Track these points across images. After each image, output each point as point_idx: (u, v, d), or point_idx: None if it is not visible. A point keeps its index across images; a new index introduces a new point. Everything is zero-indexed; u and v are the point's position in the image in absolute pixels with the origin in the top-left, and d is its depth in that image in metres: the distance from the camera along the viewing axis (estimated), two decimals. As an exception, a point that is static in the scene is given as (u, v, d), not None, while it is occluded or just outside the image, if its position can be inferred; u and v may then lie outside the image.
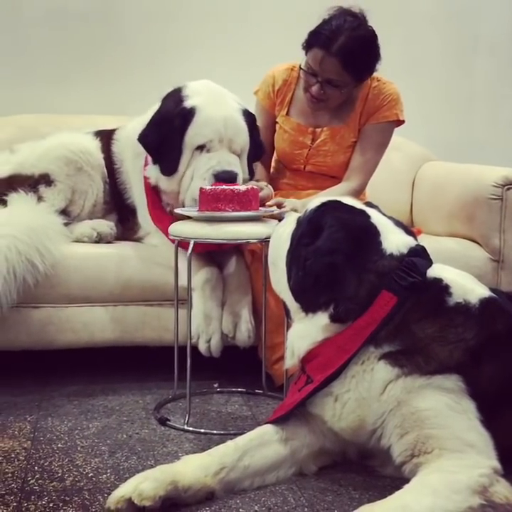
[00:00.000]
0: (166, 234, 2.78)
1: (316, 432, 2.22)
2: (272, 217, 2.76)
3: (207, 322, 2.87)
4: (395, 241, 2.19)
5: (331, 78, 3.01)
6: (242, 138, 3.00)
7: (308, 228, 2.23)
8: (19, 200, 3.18)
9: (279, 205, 2.87)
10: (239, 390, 3.00)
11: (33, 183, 3.23)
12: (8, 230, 2.93)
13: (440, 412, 2.01)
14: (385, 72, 4.32)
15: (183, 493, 2.00)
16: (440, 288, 2.16)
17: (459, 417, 2.00)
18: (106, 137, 3.42)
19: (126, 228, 3.31)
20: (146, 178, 3.05)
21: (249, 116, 3.06)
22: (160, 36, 4.12)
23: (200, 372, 2.84)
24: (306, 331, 2.18)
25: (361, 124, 3.19)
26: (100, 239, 3.17)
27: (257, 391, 2.95)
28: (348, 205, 2.28)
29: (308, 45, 3.04)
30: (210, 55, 4.07)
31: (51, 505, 2.05)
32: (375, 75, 3.16)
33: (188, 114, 2.93)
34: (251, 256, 2.99)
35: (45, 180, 3.25)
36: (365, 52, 3.02)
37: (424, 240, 3.41)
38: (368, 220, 2.22)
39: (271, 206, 2.91)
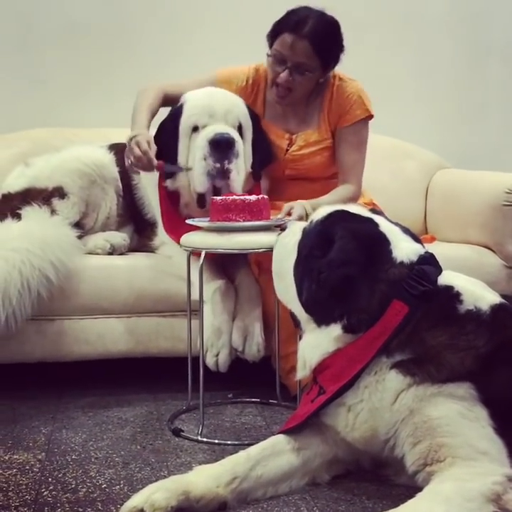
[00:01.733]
0: (178, 243, 2.79)
1: (329, 441, 2.21)
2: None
3: (217, 335, 2.87)
4: (404, 249, 2.18)
5: (301, 61, 3.02)
6: (240, 112, 3.02)
7: (318, 240, 2.22)
8: (33, 214, 3.20)
9: (289, 213, 2.86)
10: (253, 400, 3.00)
11: (47, 196, 3.26)
12: (22, 244, 2.95)
13: (452, 420, 1.99)
14: (397, 78, 4.37)
15: (195, 503, 2.00)
16: (451, 296, 2.15)
17: (471, 424, 1.99)
18: (122, 150, 3.43)
19: (144, 237, 3.33)
20: (161, 189, 3.06)
21: (251, 111, 3.08)
22: (172, 49, 4.14)
23: (214, 382, 2.85)
24: (318, 342, 2.18)
25: (331, 124, 3.20)
26: (113, 250, 3.19)
27: (271, 401, 2.94)
28: (355, 213, 2.27)
29: (276, 32, 3.06)
30: (225, 65, 4.07)
31: (64, 516, 2.06)
32: (336, 73, 3.19)
33: (180, 108, 3.01)
34: (257, 268, 2.99)
35: (59, 193, 3.27)
36: (333, 37, 3.07)
37: (438, 247, 3.43)
38: (377, 229, 2.21)
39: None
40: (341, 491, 2.18)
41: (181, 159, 2.98)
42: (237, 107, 3.03)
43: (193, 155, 2.95)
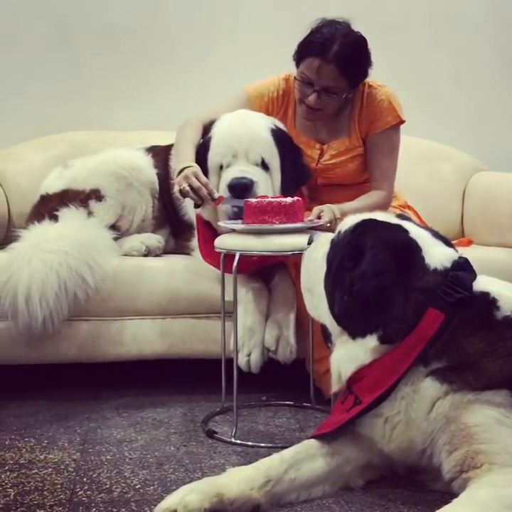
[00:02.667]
0: (217, 267, 2.80)
1: (363, 447, 2.19)
2: (319, 228, 2.75)
3: (249, 335, 2.87)
4: (437, 255, 2.14)
5: (328, 85, 3.00)
6: (262, 147, 2.99)
7: (348, 251, 2.18)
8: (70, 216, 3.24)
9: (319, 216, 2.85)
10: (287, 403, 2.99)
11: (84, 198, 3.29)
12: (59, 246, 2.99)
13: (489, 427, 1.96)
14: (434, 81, 4.34)
15: (229, 505, 1.99)
16: (487, 302, 2.11)
17: (509, 431, 1.96)
18: (161, 153, 3.47)
19: (180, 239, 3.35)
20: (198, 216, 3.06)
21: (280, 135, 3.05)
22: (208, 50, 4.14)
23: (248, 385, 2.85)
24: (353, 354, 2.13)
25: (362, 132, 3.17)
26: (149, 252, 3.21)
27: (305, 404, 2.93)
28: (384, 221, 2.23)
29: (301, 55, 3.03)
30: (260, 68, 4.07)
31: (99, 516, 2.07)
32: (366, 80, 3.14)
33: (208, 142, 3.02)
34: (295, 270, 2.98)
35: (96, 195, 3.30)
36: (360, 57, 3.03)
37: (475, 251, 3.41)
38: (407, 236, 2.17)
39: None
40: (376, 495, 2.15)
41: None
42: (258, 142, 2.99)
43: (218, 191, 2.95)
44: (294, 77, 3.09)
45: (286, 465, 2.10)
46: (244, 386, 2.71)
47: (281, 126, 3.11)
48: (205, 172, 2.95)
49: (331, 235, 2.33)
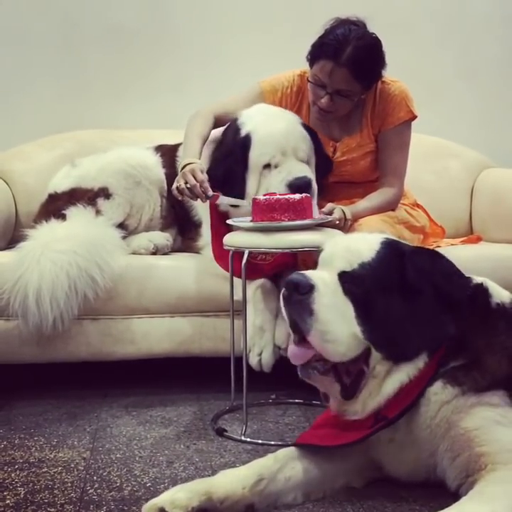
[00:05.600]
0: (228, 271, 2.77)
1: (362, 448, 2.13)
2: (327, 225, 2.74)
3: (259, 335, 2.86)
4: None
5: (341, 89, 2.97)
6: (307, 145, 2.99)
7: (391, 273, 2.04)
8: (78, 215, 3.24)
9: (330, 213, 2.84)
10: (296, 401, 2.98)
11: (92, 196, 3.29)
12: (68, 246, 2.98)
13: (488, 428, 1.95)
14: (441, 78, 4.32)
15: (219, 504, 1.95)
16: (483, 291, 2.12)
17: (507, 430, 1.95)
18: (170, 152, 3.46)
19: (187, 238, 3.35)
20: (213, 218, 3.02)
21: (309, 129, 3.05)
22: (214, 49, 4.14)
23: (257, 383, 2.83)
24: (395, 379, 2.02)
25: (374, 128, 3.15)
26: (157, 250, 3.21)
27: (314, 402, 2.92)
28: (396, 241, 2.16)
29: (315, 57, 3.00)
30: (266, 65, 4.07)
31: (109, 514, 2.06)
32: None
33: (246, 140, 2.96)
34: (304, 267, 2.96)
35: (104, 193, 3.30)
36: (373, 60, 3.00)
37: (484, 248, 3.40)
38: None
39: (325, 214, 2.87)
40: (389, 493, 2.14)
41: (251, 193, 2.93)
42: (302, 139, 2.99)
43: (264, 191, 2.90)
44: (307, 79, 3.07)
45: (280, 463, 2.05)
46: (253, 384, 2.70)
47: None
48: (238, 173, 2.93)
49: (325, 274, 2.08)
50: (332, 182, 3.21)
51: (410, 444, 2.06)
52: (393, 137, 3.15)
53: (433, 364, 2.02)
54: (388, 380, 2.02)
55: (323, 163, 3.07)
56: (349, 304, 2.03)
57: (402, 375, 2.01)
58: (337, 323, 2.01)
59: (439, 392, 2.02)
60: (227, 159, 2.99)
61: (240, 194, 2.94)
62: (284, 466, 2.06)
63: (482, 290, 2.11)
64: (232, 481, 2.00)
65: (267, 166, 2.94)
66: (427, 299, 1.99)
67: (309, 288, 2.02)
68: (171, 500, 1.90)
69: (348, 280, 2.04)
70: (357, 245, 2.10)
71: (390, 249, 2.08)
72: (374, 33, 3.01)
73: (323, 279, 2.05)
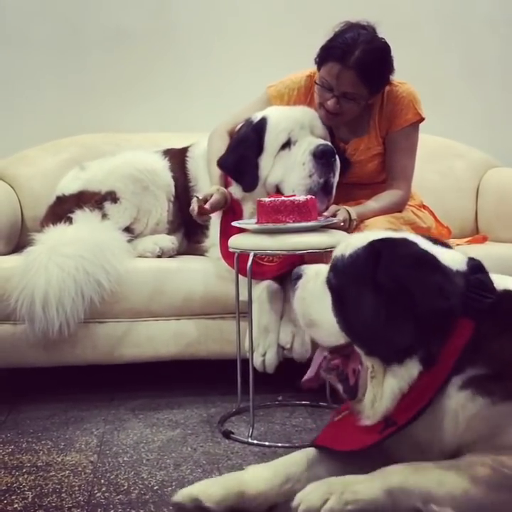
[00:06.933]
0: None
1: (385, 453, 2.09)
2: (333, 226, 2.74)
3: (264, 335, 2.85)
4: (450, 260, 2.01)
5: (348, 91, 2.96)
6: (322, 126, 3.00)
7: (369, 270, 1.98)
8: (84, 218, 3.24)
9: (334, 214, 2.84)
10: (303, 402, 2.98)
11: (100, 199, 3.30)
12: (75, 250, 2.99)
13: None
14: (445, 78, 4.32)
15: (248, 502, 1.97)
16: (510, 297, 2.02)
17: None
18: (178, 155, 3.47)
19: (193, 241, 3.35)
20: (223, 221, 3.03)
21: (325, 125, 3.07)
22: (217, 52, 4.15)
23: (264, 385, 2.84)
24: (392, 386, 1.94)
25: (382, 130, 3.14)
26: (162, 253, 3.21)
27: (321, 404, 2.92)
28: (393, 238, 2.08)
29: (323, 59, 3.00)
30: (268, 69, 4.07)
31: (117, 517, 2.07)
32: None
33: (261, 124, 2.98)
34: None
35: (112, 197, 3.31)
36: (381, 64, 2.99)
37: (490, 247, 3.39)
38: (420, 248, 2.03)
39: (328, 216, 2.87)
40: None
41: (263, 174, 2.96)
42: (318, 121, 3.02)
43: (282, 170, 2.93)
44: (315, 82, 3.08)
45: (309, 463, 2.05)
46: (259, 386, 2.70)
47: None
48: (252, 159, 2.94)
49: (320, 266, 2.17)
50: (339, 183, 3.20)
51: (434, 451, 1.99)
52: (401, 139, 3.14)
53: (443, 369, 1.92)
54: (386, 383, 1.97)
55: (339, 160, 3.02)
56: (328, 293, 2.08)
57: (397, 378, 1.94)
58: (316, 308, 2.10)
59: (466, 404, 1.92)
60: (239, 146, 3.00)
61: (253, 180, 2.95)
62: (311, 465, 2.06)
63: (510, 297, 2.01)
64: (262, 481, 2.01)
65: (285, 146, 2.95)
66: (392, 303, 1.92)
67: (298, 276, 2.16)
68: (207, 494, 1.94)
69: (330, 270, 2.10)
70: (354, 239, 2.11)
71: (376, 246, 2.02)
72: (383, 38, 3.00)
73: (319, 269, 2.14)
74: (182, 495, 1.97)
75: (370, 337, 1.97)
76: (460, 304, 1.92)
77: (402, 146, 3.14)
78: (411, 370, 1.92)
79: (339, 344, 2.07)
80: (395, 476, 1.85)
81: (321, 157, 2.86)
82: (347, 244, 2.10)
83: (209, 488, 1.96)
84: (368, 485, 1.84)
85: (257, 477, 2.01)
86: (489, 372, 1.91)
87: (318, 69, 3.04)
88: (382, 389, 1.97)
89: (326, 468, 2.07)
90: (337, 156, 2.93)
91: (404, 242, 2.05)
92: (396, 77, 3.15)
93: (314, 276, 2.14)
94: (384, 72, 3.02)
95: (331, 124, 3.11)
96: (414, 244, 2.03)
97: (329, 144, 2.94)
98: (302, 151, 2.91)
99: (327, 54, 2.98)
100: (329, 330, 2.07)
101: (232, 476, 2.05)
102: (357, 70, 2.92)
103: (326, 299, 2.07)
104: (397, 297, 1.91)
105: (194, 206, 2.95)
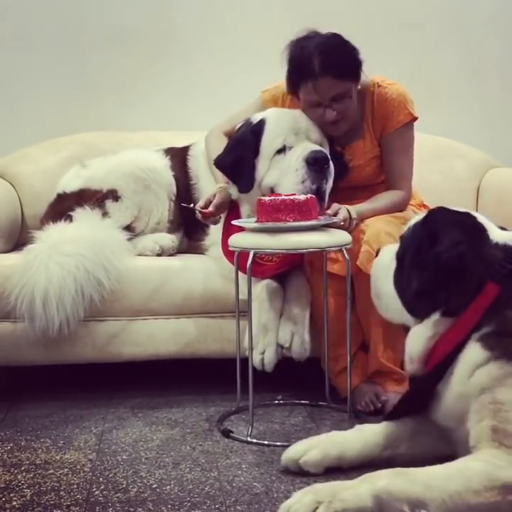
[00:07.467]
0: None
1: None
2: (333, 226, 2.74)
3: (263, 333, 2.85)
4: (500, 234, 2.24)
5: (333, 95, 2.93)
6: (318, 130, 2.99)
7: (425, 235, 2.26)
8: (84, 216, 3.24)
9: (335, 213, 2.84)
10: (302, 402, 2.98)
11: (101, 197, 3.29)
12: (75, 248, 2.99)
13: None
14: (445, 78, 4.31)
15: (346, 464, 2.25)
16: None
17: None
18: (179, 154, 3.46)
19: (194, 239, 3.35)
20: (227, 222, 3.01)
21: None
22: (218, 50, 4.13)
23: (263, 384, 2.83)
24: (419, 333, 2.22)
25: (376, 132, 3.12)
26: (162, 252, 3.21)
27: (320, 403, 2.92)
28: (451, 209, 2.34)
29: (294, 86, 2.98)
30: (270, 68, 4.07)
31: (116, 515, 2.07)
32: (375, 80, 3.09)
33: (259, 126, 2.98)
34: (310, 267, 2.96)
35: (113, 195, 3.30)
36: (343, 52, 2.94)
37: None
38: (474, 218, 2.29)
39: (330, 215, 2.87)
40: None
41: (259, 176, 2.96)
42: (313, 125, 3.00)
43: (277, 174, 2.93)
44: (301, 109, 3.04)
45: (409, 432, 2.28)
46: (259, 385, 2.70)
47: None
48: (248, 160, 2.95)
49: (394, 247, 2.42)
50: (338, 187, 3.20)
51: (449, 395, 2.14)
52: (395, 141, 3.13)
53: (467, 325, 2.11)
54: (418, 333, 2.23)
55: (339, 164, 3.03)
56: (393, 265, 2.36)
57: (424, 329, 2.20)
58: (382, 280, 2.41)
59: (473, 352, 2.09)
60: (237, 147, 2.99)
61: (249, 181, 2.95)
62: (412, 436, 2.28)
63: None
64: (362, 449, 2.26)
65: (280, 151, 2.94)
66: (419, 251, 2.23)
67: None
68: (305, 459, 2.25)
69: (402, 243, 2.37)
70: (415, 217, 2.40)
71: (433, 213, 2.34)
72: (328, 32, 2.98)
73: (394, 246, 2.42)
74: (286, 458, 2.29)
75: (404, 293, 2.27)
76: (490, 270, 2.14)
77: (397, 148, 3.13)
78: (432, 317, 2.18)
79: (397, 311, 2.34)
80: (382, 481, 1.90)
81: (314, 164, 2.85)
82: (417, 217, 2.38)
83: (309, 452, 2.24)
84: (355, 491, 1.90)
85: (358, 445, 2.28)
86: (499, 331, 2.08)
87: (298, 98, 3.03)
88: (414, 335, 2.25)
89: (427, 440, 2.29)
90: (331, 163, 2.91)
91: (459, 212, 2.33)
92: (396, 77, 3.15)
93: (387, 252, 2.44)
94: (350, 56, 2.96)
95: (337, 132, 3.07)
96: (468, 215, 2.31)
97: (323, 150, 2.92)
98: (296, 157, 2.90)
99: (294, 79, 2.97)
100: (388, 302, 2.38)
101: (333, 442, 2.29)
102: (328, 72, 2.88)
103: (391, 269, 2.36)
104: (425, 247, 2.22)
105: (198, 215, 2.97)
